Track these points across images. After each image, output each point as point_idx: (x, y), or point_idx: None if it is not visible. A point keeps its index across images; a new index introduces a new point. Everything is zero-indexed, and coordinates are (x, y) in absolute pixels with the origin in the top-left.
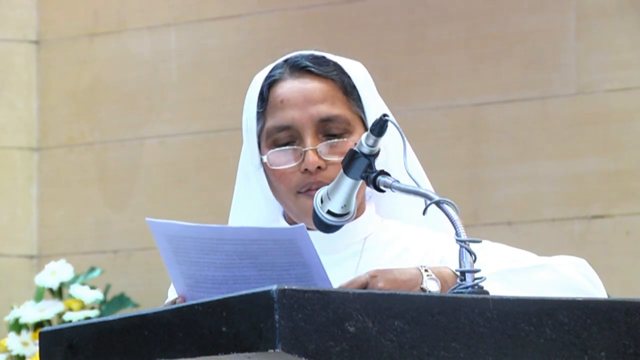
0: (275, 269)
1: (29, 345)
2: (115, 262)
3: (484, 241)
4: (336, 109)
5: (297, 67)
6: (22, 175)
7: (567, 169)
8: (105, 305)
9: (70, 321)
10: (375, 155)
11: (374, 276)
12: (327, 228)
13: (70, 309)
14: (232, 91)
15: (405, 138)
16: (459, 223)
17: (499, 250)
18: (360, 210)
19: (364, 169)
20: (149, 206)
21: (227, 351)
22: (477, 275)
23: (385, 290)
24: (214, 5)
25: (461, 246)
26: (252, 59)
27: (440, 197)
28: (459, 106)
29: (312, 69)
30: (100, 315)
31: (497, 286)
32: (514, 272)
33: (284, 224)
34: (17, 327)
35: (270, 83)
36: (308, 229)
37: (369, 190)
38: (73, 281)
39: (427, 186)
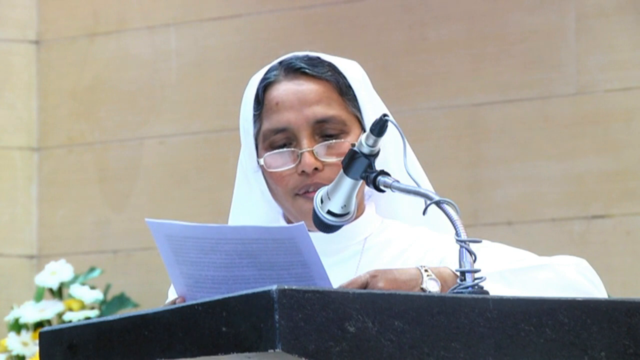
0: (275, 268)
1: (29, 345)
2: (115, 262)
3: (483, 241)
4: (332, 109)
5: (292, 69)
6: (22, 175)
7: (567, 169)
8: (105, 305)
9: (70, 321)
10: (375, 155)
11: (374, 276)
12: (327, 228)
13: (70, 309)
14: (232, 91)
15: (405, 138)
16: (459, 223)
17: (499, 250)
18: (360, 210)
19: (364, 169)
20: (149, 206)
21: (227, 351)
22: (477, 275)
23: (385, 290)
24: (214, 5)
25: (461, 246)
26: (252, 59)
27: (440, 197)
28: (459, 106)
29: (307, 70)
30: (100, 315)
31: (497, 286)
32: (514, 272)
33: (284, 224)
34: (17, 327)
35: (265, 85)
36: (308, 230)
37: (369, 190)
38: (73, 281)
39: (427, 186)
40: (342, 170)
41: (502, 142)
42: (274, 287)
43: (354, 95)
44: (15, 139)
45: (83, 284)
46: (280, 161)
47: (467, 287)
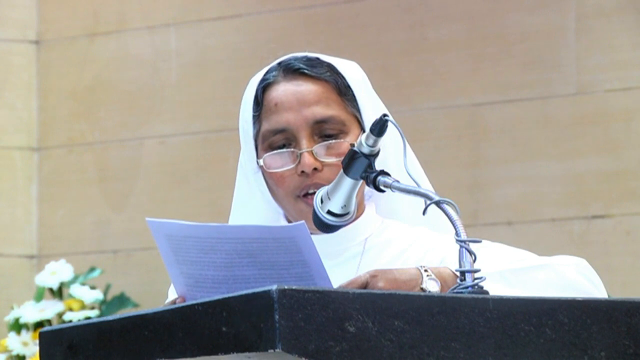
0: (275, 267)
1: (29, 345)
2: (115, 262)
3: (483, 241)
4: (331, 110)
5: (291, 70)
6: (22, 175)
7: (567, 169)
8: (105, 305)
9: (70, 321)
10: (375, 155)
11: (374, 276)
12: (328, 228)
13: (70, 309)
14: (232, 91)
15: (405, 138)
16: (459, 223)
17: (499, 250)
18: (360, 210)
19: (364, 169)
20: (149, 206)
21: (227, 351)
22: (477, 275)
23: (385, 290)
24: (214, 5)
25: (461, 246)
26: (252, 59)
27: (440, 197)
28: (459, 106)
29: (306, 71)
30: (100, 315)
31: (497, 286)
32: (514, 272)
33: (284, 224)
34: (17, 327)
35: (264, 86)
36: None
37: (369, 190)
38: (73, 281)
39: (427, 186)
40: (342, 170)
41: (502, 142)
42: (274, 287)
43: (353, 96)
44: (15, 139)
45: (83, 284)
46: (280, 162)
47: (467, 287)
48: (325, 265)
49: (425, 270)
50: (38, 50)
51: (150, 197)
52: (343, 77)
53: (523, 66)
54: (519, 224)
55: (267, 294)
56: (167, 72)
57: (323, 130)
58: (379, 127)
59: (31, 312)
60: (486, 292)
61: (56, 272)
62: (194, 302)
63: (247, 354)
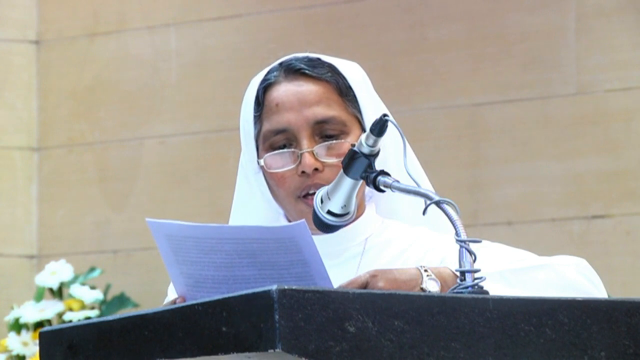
0: (276, 268)
1: (29, 345)
2: (115, 262)
3: (483, 241)
4: (331, 110)
5: (292, 70)
6: (22, 175)
7: (567, 169)
8: (105, 305)
9: (70, 321)
10: (375, 155)
11: (374, 276)
12: (328, 228)
13: (70, 309)
14: (232, 91)
15: (405, 138)
16: (459, 223)
17: (499, 250)
18: (360, 210)
19: (364, 169)
20: (149, 206)
21: (227, 351)
22: (477, 275)
23: (385, 290)
24: (214, 5)
25: (461, 246)
26: (252, 59)
27: (440, 197)
28: (459, 106)
29: (307, 72)
30: (100, 315)
31: (497, 286)
32: (514, 272)
33: (285, 224)
34: (17, 327)
35: (265, 87)
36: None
37: (369, 190)
38: (73, 281)
39: (427, 186)
40: (342, 170)
41: (502, 142)
42: (274, 287)
43: (354, 96)
44: (15, 139)
45: (83, 284)
46: (281, 162)
47: (467, 287)
48: (325, 265)
49: (425, 270)
50: (38, 50)
51: (150, 197)
52: (344, 78)
53: (523, 66)
54: (519, 224)
55: (267, 294)
56: (167, 72)
57: (324, 131)
58: (379, 127)
59: (31, 312)
60: (486, 292)
61: (56, 272)
62: (194, 302)
63: (247, 354)
